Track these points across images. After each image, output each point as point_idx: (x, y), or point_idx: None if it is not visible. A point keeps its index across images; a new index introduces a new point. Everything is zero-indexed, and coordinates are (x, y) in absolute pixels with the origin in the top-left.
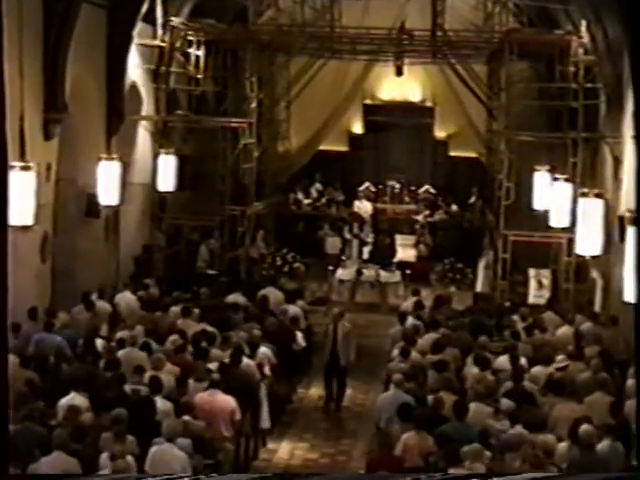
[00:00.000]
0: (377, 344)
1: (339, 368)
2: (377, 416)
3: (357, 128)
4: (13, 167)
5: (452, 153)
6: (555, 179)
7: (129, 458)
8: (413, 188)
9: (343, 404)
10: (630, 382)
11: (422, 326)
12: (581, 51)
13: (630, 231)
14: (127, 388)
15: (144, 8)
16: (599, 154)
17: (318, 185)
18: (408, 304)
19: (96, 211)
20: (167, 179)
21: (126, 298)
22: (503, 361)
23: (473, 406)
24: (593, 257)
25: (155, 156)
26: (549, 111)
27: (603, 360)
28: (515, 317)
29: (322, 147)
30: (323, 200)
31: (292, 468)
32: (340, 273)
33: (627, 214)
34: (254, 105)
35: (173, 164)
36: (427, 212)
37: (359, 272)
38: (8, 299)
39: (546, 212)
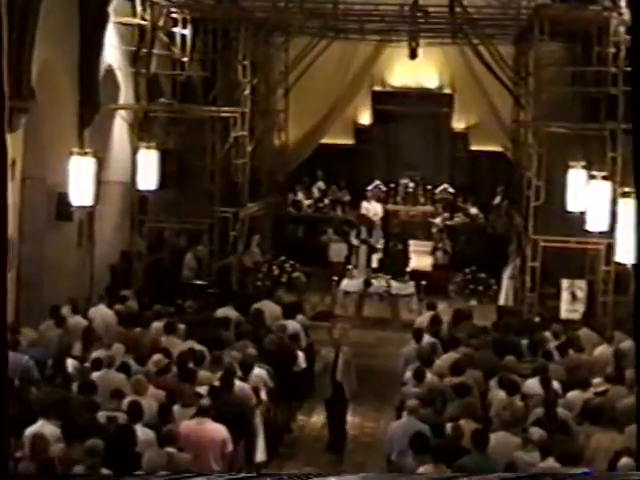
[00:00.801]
0: (388, 365)
1: (343, 402)
2: (388, 447)
3: (365, 119)
4: None
5: (473, 147)
6: (592, 177)
7: None
8: (429, 187)
9: (350, 433)
10: None
11: (439, 345)
12: (622, 30)
13: None
14: (103, 415)
15: None
16: None
17: (320, 184)
18: (423, 319)
19: (67, 213)
20: (148, 177)
21: (102, 312)
22: (533, 384)
23: (499, 436)
24: (635, 265)
25: (134, 151)
26: (585, 99)
27: None
28: (546, 334)
29: (325, 140)
30: (326, 201)
31: None
32: (346, 284)
33: None
34: (247, 92)
35: (155, 160)
36: (445, 214)
37: (367, 283)
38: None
39: (581, 214)
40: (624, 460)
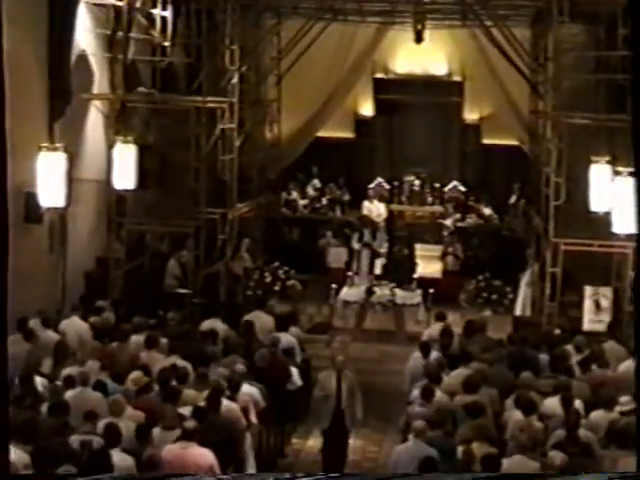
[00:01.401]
0: (392, 382)
1: (344, 432)
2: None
3: (366, 109)
4: None
5: (486, 140)
6: (617, 173)
7: None
8: (437, 185)
9: (350, 458)
10: None
11: (449, 360)
12: None
13: None
14: (76, 439)
15: None
16: None
17: (317, 182)
18: (432, 332)
19: (37, 215)
20: (126, 174)
21: (75, 325)
22: (553, 404)
23: (515, 460)
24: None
25: (110, 145)
26: (609, 86)
27: None
28: (568, 348)
29: (321, 133)
30: (324, 200)
31: None
32: (345, 293)
33: None
34: (235, 81)
35: (133, 156)
36: (455, 215)
37: (370, 291)
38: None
39: (606, 215)
40: None
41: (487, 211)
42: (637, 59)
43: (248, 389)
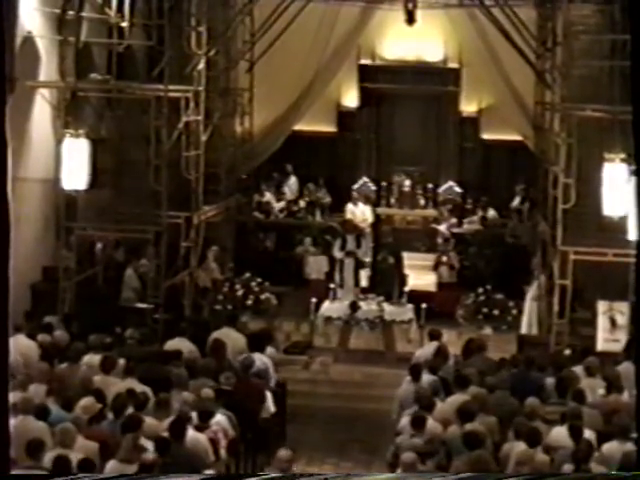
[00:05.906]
0: (379, 409)
1: None
2: None
3: (350, 100)
4: None
5: (486, 135)
6: (634, 172)
7: None
8: (431, 186)
9: None
10: None
11: (444, 384)
12: None
13: None
14: (19, 473)
15: None
16: None
17: (294, 182)
18: (424, 352)
19: None
20: (77, 173)
21: (19, 344)
22: (560, 434)
23: None
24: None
25: (59, 140)
26: (624, 74)
27: None
28: (578, 371)
29: (299, 127)
30: (302, 203)
31: None
32: (327, 308)
33: None
34: (202, 67)
35: (85, 151)
36: (451, 220)
37: (354, 306)
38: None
39: (622, 220)
40: None
41: (487, 215)
42: (636, 47)
43: (217, 417)
